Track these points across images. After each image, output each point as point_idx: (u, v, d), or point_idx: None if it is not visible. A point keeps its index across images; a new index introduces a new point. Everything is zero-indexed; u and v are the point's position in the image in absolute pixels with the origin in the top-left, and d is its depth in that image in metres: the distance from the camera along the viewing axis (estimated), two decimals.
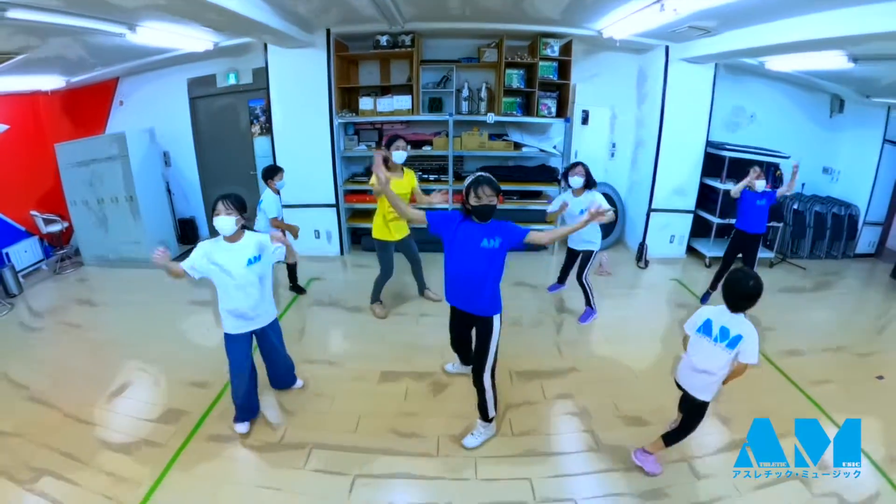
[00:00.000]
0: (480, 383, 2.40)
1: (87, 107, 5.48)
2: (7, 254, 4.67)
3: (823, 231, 5.43)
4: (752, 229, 3.87)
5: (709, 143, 5.04)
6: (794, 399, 2.89)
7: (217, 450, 2.48)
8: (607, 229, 5.28)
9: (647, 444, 2.31)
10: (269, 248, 2.37)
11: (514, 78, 4.96)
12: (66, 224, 5.13)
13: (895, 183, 5.36)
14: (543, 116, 5.11)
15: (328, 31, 4.56)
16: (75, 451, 2.44)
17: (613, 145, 5.66)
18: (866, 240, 5.57)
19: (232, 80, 5.28)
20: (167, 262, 2.24)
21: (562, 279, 4.11)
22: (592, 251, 3.66)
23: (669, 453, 2.34)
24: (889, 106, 5.01)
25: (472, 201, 2.19)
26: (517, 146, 5.27)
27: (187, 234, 5.75)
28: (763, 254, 4.87)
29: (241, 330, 2.42)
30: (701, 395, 2.12)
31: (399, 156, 3.44)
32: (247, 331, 2.45)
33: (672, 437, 2.25)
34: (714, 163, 5.01)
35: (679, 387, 2.24)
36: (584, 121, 5.50)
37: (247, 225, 2.36)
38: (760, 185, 3.71)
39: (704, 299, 4.15)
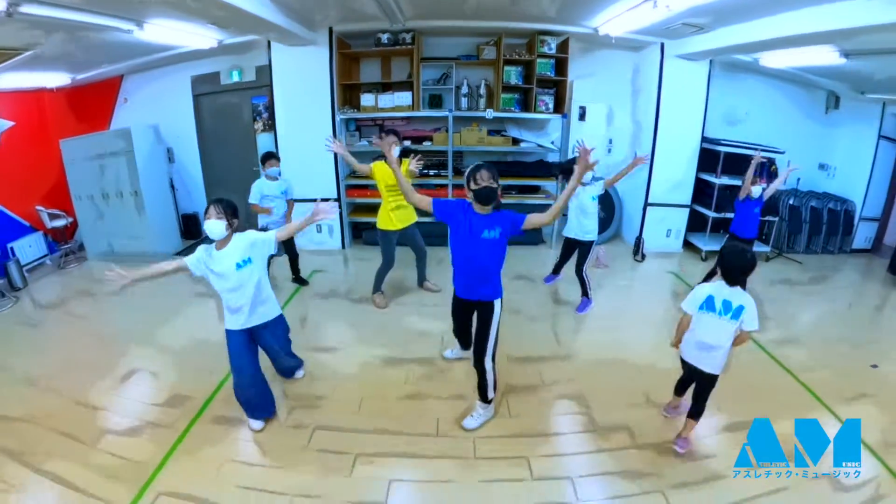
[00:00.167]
0: (482, 366, 2.45)
1: (92, 104, 5.56)
2: (12, 248, 4.73)
3: (819, 226, 5.48)
4: (747, 234, 4.05)
5: (704, 139, 5.10)
6: (788, 385, 2.94)
7: (221, 432, 2.53)
8: (604, 224, 5.34)
9: (679, 433, 2.39)
10: (261, 244, 2.36)
11: (513, 75, 5.04)
12: (70, 219, 5.20)
13: (891, 179, 5.41)
14: (541, 112, 5.19)
15: (330, 29, 4.65)
16: (82, 434, 2.50)
17: (610, 141, 5.73)
18: (863, 235, 5.60)
19: (235, 78, 5.35)
20: (121, 280, 2.22)
21: (556, 270, 4.17)
22: (592, 242, 3.72)
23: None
24: (884, 102, 5.06)
25: (473, 186, 2.25)
26: (515, 142, 5.36)
27: (190, 229, 5.82)
28: (759, 248, 4.93)
29: (237, 326, 2.43)
30: (712, 370, 2.23)
31: (396, 151, 3.56)
32: (244, 327, 2.43)
33: (696, 413, 2.33)
34: (710, 158, 5.08)
35: (685, 366, 2.34)
36: (581, 117, 5.56)
37: (238, 228, 2.36)
38: (756, 190, 3.88)
39: None
